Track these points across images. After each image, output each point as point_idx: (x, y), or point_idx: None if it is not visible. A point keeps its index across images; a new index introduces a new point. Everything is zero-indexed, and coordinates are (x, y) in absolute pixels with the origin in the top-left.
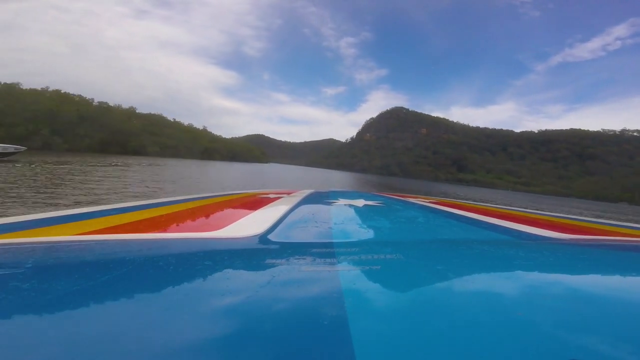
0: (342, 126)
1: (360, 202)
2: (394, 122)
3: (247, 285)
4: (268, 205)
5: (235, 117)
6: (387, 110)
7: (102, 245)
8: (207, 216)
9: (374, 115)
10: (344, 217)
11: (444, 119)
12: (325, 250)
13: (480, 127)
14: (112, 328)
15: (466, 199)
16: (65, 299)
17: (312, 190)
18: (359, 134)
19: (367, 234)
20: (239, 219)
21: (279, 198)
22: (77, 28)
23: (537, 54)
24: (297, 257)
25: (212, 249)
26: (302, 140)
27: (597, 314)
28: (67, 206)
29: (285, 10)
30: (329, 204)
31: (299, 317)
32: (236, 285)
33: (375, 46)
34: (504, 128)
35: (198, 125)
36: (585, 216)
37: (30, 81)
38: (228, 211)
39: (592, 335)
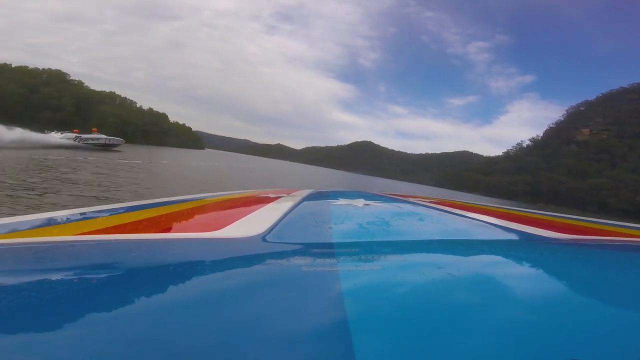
0: (475, 140)
1: (360, 202)
2: None
3: (247, 286)
4: (268, 205)
5: (351, 131)
6: (626, 87)
7: (102, 245)
8: (207, 216)
9: (537, 134)
10: (344, 217)
11: None
12: (325, 251)
13: None
14: (112, 328)
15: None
16: (65, 300)
17: (312, 190)
18: (551, 131)
19: (367, 234)
20: (239, 219)
21: (278, 198)
22: (224, 45)
23: None
24: (297, 257)
25: (212, 249)
26: (422, 152)
27: (597, 314)
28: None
29: (397, 18)
30: (329, 203)
31: (299, 318)
32: (236, 285)
33: (515, 49)
34: None
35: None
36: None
37: (193, 93)
38: (228, 211)
39: (592, 335)
